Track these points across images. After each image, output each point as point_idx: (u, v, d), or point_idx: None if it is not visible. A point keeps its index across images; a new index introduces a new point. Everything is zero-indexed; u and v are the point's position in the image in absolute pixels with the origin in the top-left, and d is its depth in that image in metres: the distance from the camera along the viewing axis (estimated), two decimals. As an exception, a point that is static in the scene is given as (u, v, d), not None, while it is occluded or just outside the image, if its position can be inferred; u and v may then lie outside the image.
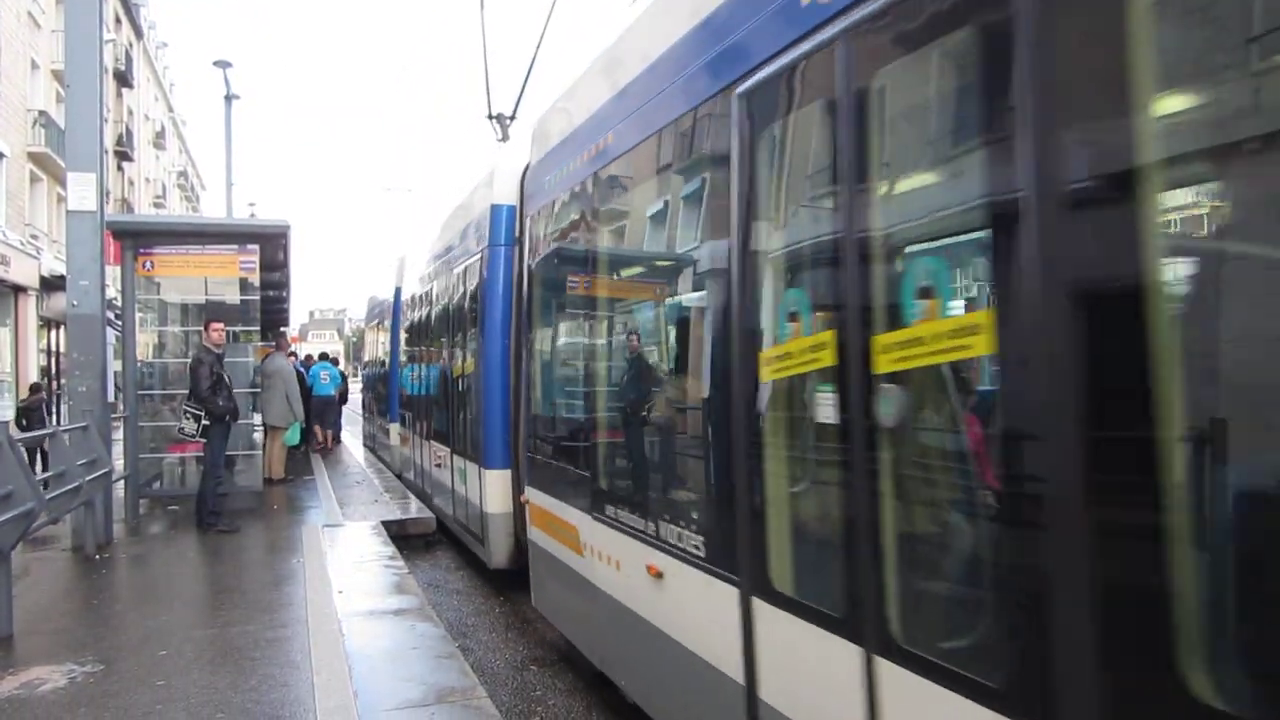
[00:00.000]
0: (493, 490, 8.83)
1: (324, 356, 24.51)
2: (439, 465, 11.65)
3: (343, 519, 11.79)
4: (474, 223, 9.87)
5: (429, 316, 13.01)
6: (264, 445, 14.19)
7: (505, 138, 13.48)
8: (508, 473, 8.70)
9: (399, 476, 16.28)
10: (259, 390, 13.80)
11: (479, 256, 9.40)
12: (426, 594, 8.53)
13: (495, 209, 9.01)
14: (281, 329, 22.57)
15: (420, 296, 14.03)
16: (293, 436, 15.86)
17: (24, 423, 17.57)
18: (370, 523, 11.40)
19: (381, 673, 5.83)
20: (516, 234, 8.50)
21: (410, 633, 6.69)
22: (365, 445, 23.59)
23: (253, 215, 38.19)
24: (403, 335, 16.52)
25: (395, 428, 17.22)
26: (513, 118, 13.46)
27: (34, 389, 21.08)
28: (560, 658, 7.22)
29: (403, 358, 16.43)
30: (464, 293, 10.26)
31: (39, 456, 13.47)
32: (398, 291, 17.50)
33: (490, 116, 13.61)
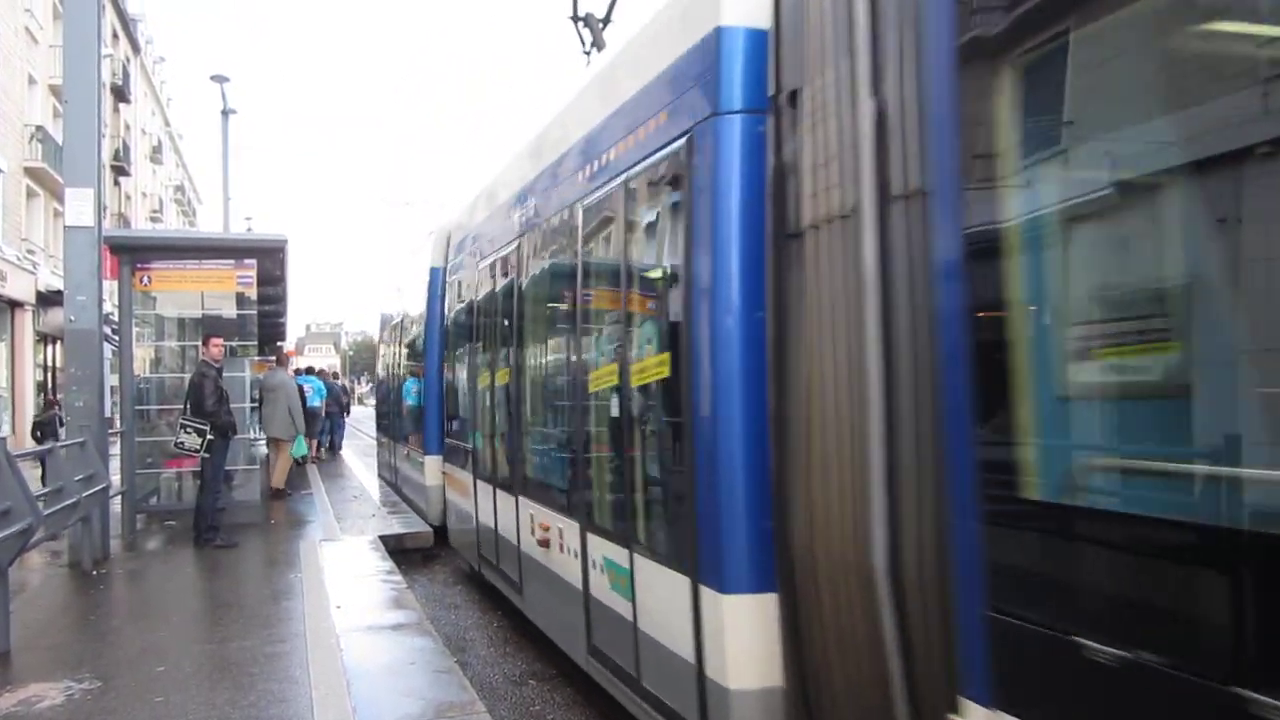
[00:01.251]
0: (737, 639, 4.08)
1: (310, 370, 24.69)
2: (551, 544, 6.51)
3: (340, 534, 11.77)
4: (663, 81, 4.85)
5: (521, 292, 7.58)
6: (267, 457, 14.57)
7: (598, 44, 10.23)
8: (770, 601, 4.04)
9: (438, 530, 12.03)
10: (257, 405, 13.86)
11: (680, 146, 4.56)
12: (424, 608, 8.52)
13: (725, 37, 4.24)
14: (279, 343, 22.70)
15: (499, 264, 8.34)
16: (299, 449, 16.10)
17: (39, 434, 17.88)
18: (368, 537, 11.38)
19: (380, 688, 5.81)
20: (772, 89, 4.14)
21: (408, 647, 6.68)
22: (382, 478, 18.29)
23: (249, 229, 38.30)
24: (453, 332, 10.99)
25: (435, 464, 12.18)
26: (606, 20, 10.38)
27: (49, 403, 21.43)
28: (559, 672, 7.19)
29: (456, 365, 10.81)
30: (620, 232, 5.40)
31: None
32: (437, 274, 12.49)
33: (575, 19, 10.61)
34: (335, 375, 33.81)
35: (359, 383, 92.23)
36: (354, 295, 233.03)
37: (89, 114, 9.88)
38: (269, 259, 12.95)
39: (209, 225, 64.37)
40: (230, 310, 12.91)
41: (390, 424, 17.52)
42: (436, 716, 5.30)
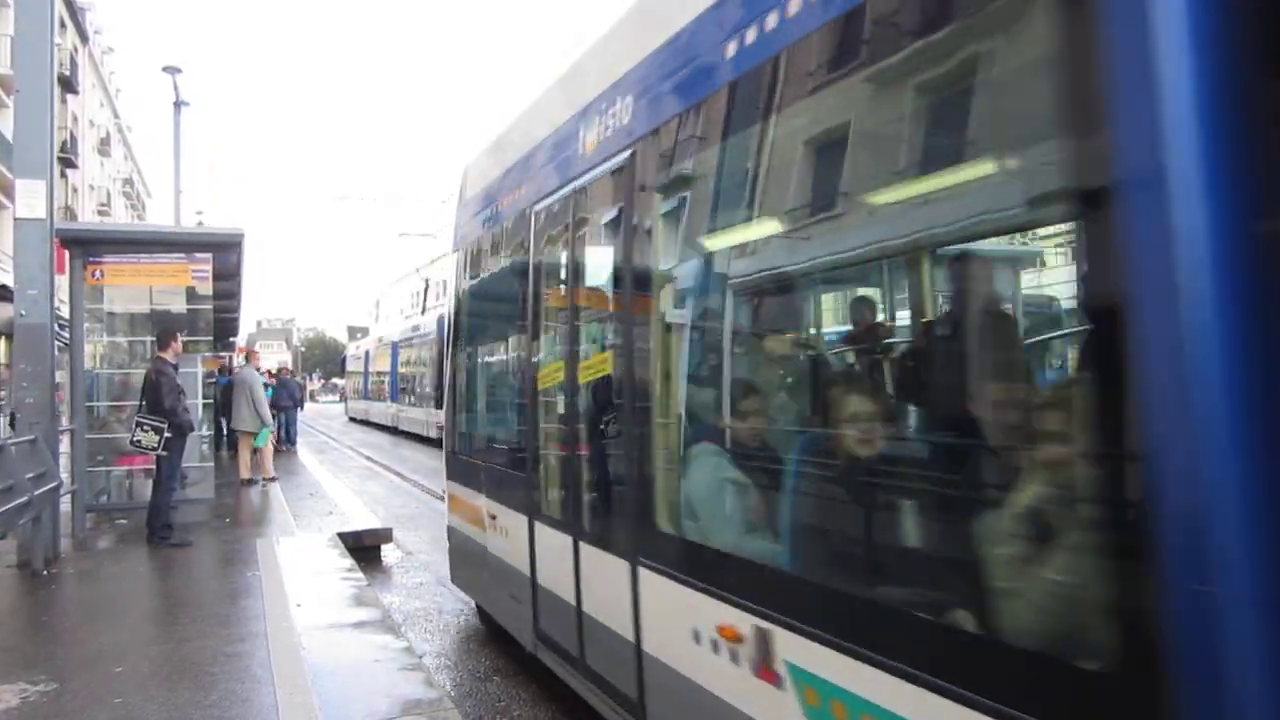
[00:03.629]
0: None
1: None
2: None
3: (298, 531, 11.65)
4: None
5: None
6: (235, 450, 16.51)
7: None
8: None
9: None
10: (211, 401, 13.79)
11: None
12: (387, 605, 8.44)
13: None
14: (230, 338, 22.49)
15: None
16: (261, 440, 16.93)
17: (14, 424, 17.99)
18: (326, 535, 11.26)
19: (345, 685, 5.75)
20: None
21: (372, 645, 6.62)
22: (460, 583, 8.65)
23: (201, 223, 37.72)
24: None
25: None
26: None
27: None
28: (523, 669, 7.17)
29: None
30: None
31: None
32: None
33: None
34: (290, 372, 33.47)
35: (311, 379, 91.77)
36: (306, 292, 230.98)
37: (40, 103, 9.68)
38: (225, 253, 12.75)
39: (159, 219, 63.33)
40: (179, 305, 12.72)
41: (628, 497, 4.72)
42: (404, 713, 5.26)
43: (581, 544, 5.14)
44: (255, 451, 16.85)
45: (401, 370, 36.59)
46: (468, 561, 7.91)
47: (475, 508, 7.45)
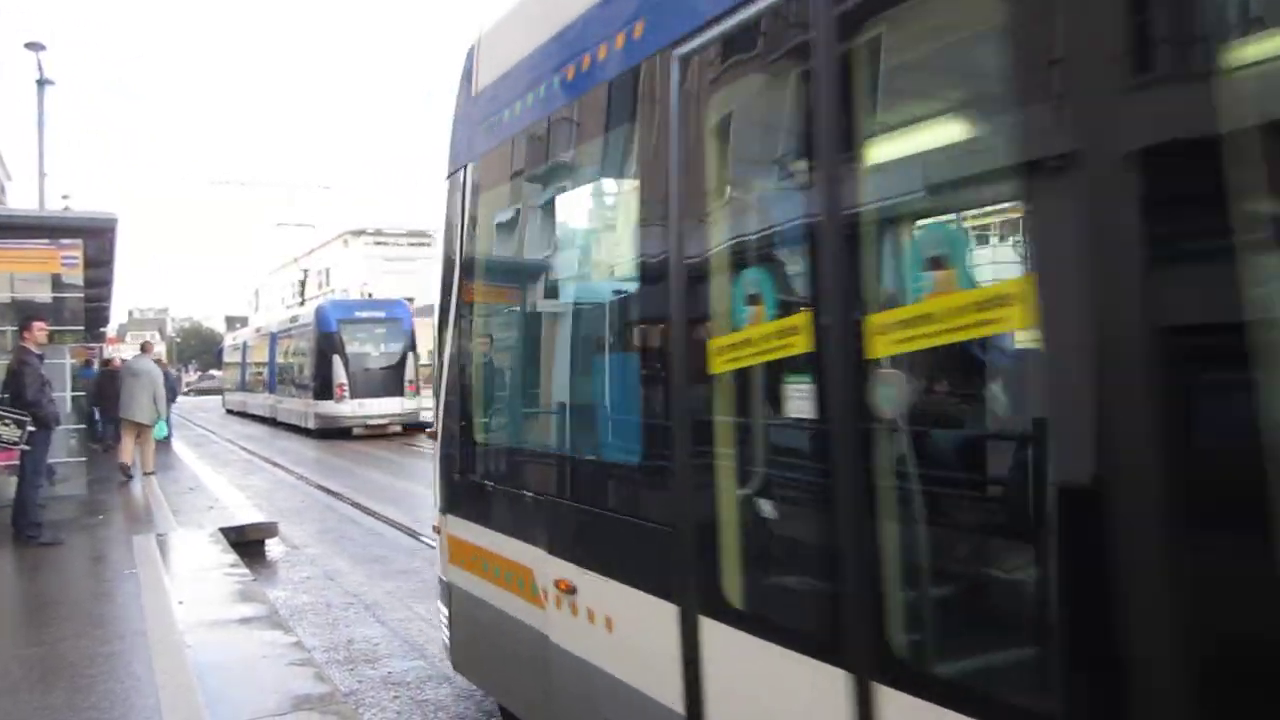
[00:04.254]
0: None
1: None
2: None
3: (177, 526, 11.27)
4: None
5: None
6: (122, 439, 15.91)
7: None
8: None
9: None
10: (84, 394, 13.24)
11: None
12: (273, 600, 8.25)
13: None
14: (101, 328, 21.64)
15: None
16: (160, 431, 16.73)
17: None
18: (208, 530, 10.93)
19: (232, 683, 5.62)
20: None
21: (259, 641, 6.47)
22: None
23: (67, 208, 36.02)
24: None
25: None
26: None
27: None
28: (415, 652, 7.12)
29: None
30: None
31: None
32: None
33: None
34: (164, 364, 32.37)
35: (187, 371, 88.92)
36: (181, 280, 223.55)
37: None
38: (97, 239, 12.23)
39: (20, 203, 60.18)
40: (44, 294, 12.17)
41: None
42: (294, 709, 5.16)
43: (882, 690, 2.36)
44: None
45: (280, 361, 35.71)
46: (494, 647, 4.90)
47: (519, 567, 4.46)
